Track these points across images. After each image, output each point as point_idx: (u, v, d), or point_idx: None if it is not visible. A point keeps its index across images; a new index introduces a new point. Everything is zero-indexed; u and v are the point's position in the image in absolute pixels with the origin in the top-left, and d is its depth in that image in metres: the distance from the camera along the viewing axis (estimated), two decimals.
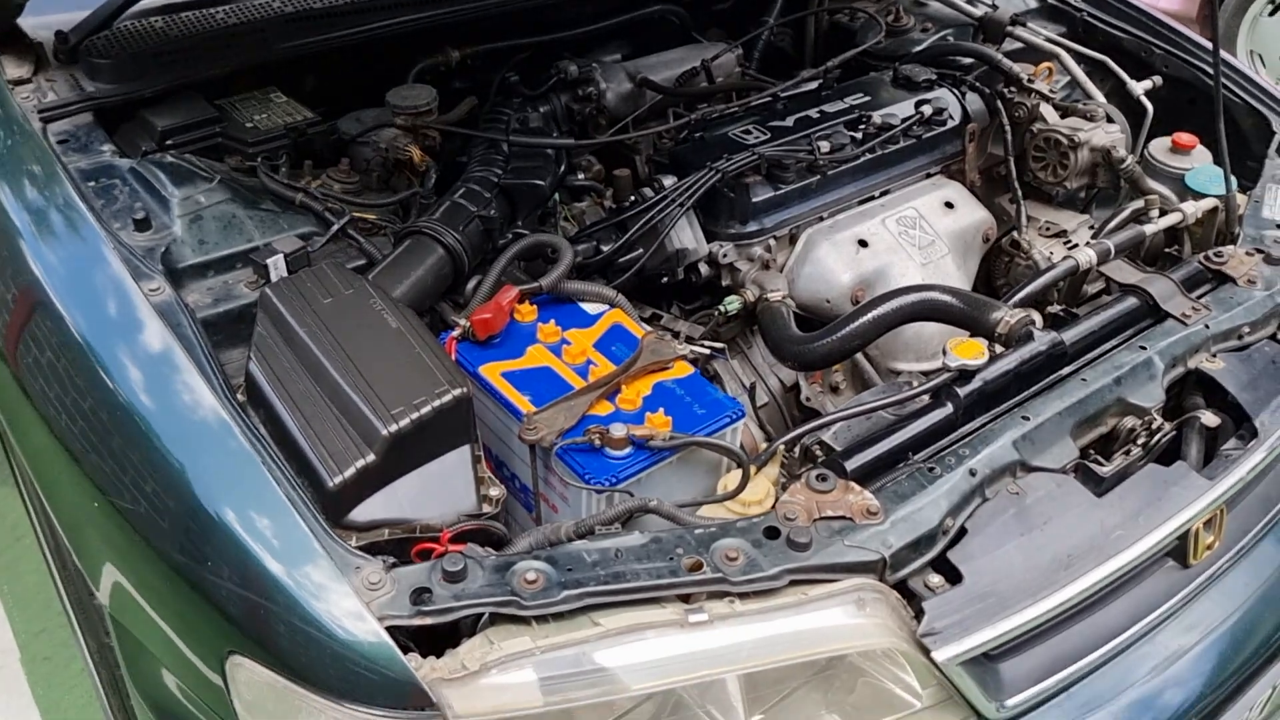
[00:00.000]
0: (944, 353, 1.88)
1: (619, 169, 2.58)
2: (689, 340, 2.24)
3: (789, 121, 2.54)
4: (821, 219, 2.48)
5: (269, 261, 1.94)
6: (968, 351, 1.88)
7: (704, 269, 2.36)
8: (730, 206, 2.36)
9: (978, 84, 2.71)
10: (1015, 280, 2.63)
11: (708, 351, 2.25)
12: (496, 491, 1.72)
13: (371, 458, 1.61)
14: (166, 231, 1.96)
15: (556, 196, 2.48)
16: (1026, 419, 1.86)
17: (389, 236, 2.08)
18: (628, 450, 1.67)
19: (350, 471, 1.60)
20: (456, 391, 1.67)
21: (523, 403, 1.76)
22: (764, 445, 2.22)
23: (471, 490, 1.71)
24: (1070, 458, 1.86)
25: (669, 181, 2.31)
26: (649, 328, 2.01)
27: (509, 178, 2.18)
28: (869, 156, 2.49)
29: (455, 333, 1.85)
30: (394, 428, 1.61)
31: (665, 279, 2.32)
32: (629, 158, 2.68)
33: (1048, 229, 2.68)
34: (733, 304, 2.29)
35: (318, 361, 1.70)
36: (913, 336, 2.38)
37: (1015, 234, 2.62)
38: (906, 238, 2.49)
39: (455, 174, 2.29)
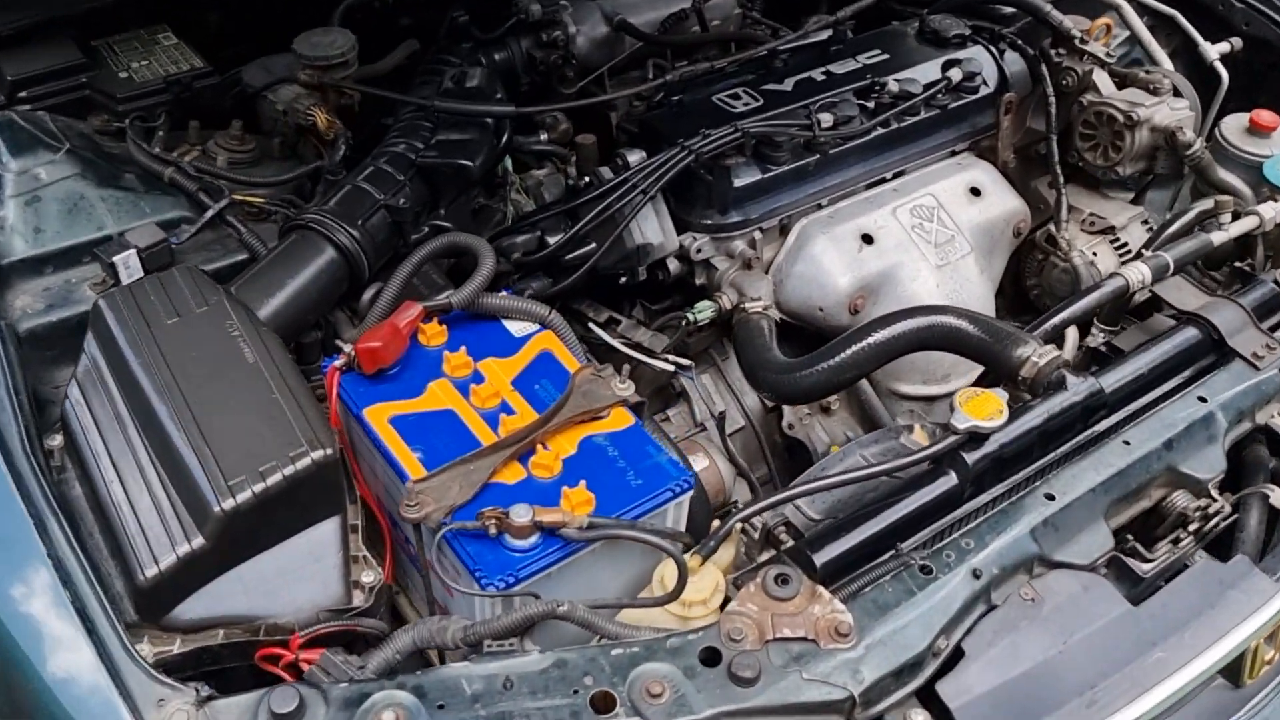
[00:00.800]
0: (952, 409, 1.49)
1: (585, 134, 2.17)
2: (649, 355, 1.85)
3: (787, 85, 2.11)
4: (819, 207, 2.06)
5: (118, 259, 1.57)
6: (982, 409, 1.49)
7: (673, 265, 1.97)
8: (707, 191, 1.95)
9: (1020, 41, 2.25)
10: (1049, 286, 2.21)
11: (671, 368, 1.87)
12: (371, 577, 1.37)
13: (200, 542, 1.26)
14: None
15: (508, 164, 2.08)
16: (1051, 498, 1.48)
17: (280, 223, 1.70)
18: (534, 540, 1.30)
19: (170, 561, 1.25)
20: (318, 454, 1.30)
21: (411, 462, 1.40)
22: (732, 484, 1.86)
23: (338, 576, 1.35)
24: (1103, 549, 1.48)
25: (634, 159, 1.90)
26: (586, 359, 1.62)
27: (429, 155, 1.78)
28: (881, 132, 2.06)
29: (338, 361, 1.48)
30: (230, 504, 1.25)
31: (624, 279, 1.93)
32: (603, 115, 2.26)
33: (1092, 224, 2.25)
34: (704, 311, 1.89)
35: (148, 405, 1.34)
36: (921, 356, 1.98)
37: (1053, 228, 2.19)
38: (921, 232, 2.07)
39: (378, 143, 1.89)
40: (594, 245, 1.86)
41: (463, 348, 1.54)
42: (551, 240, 1.86)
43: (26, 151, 1.66)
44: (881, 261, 2.01)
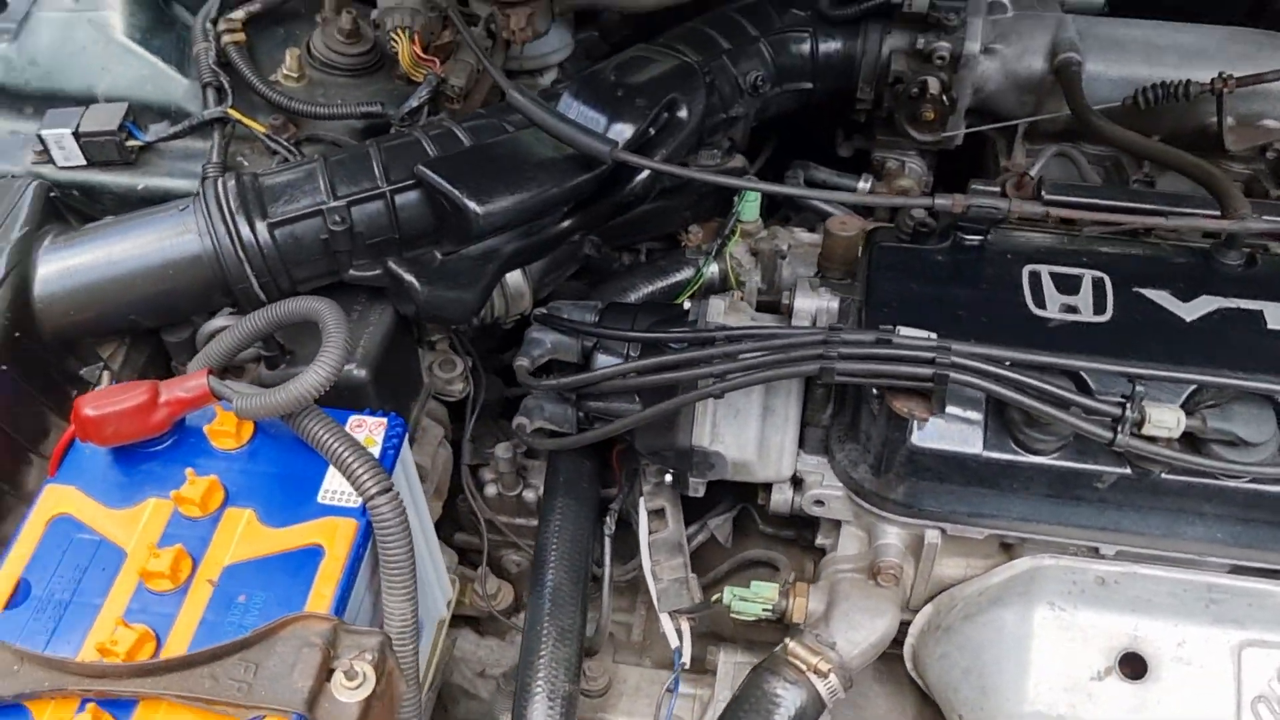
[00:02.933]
0: None
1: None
2: None
3: (1198, 308, 1.07)
4: (1096, 553, 1.06)
5: (48, 133, 1.22)
6: None
7: (778, 495, 1.15)
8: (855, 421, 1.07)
9: None
10: None
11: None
12: None
13: None
14: None
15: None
16: None
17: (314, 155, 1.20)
18: None
19: None
20: None
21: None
22: None
23: None
24: None
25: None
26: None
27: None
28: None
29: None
30: None
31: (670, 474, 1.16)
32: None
33: None
34: (748, 605, 1.08)
35: None
36: None
37: None
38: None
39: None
40: (638, 405, 1.11)
41: (224, 474, 0.97)
42: (598, 366, 1.15)
43: None
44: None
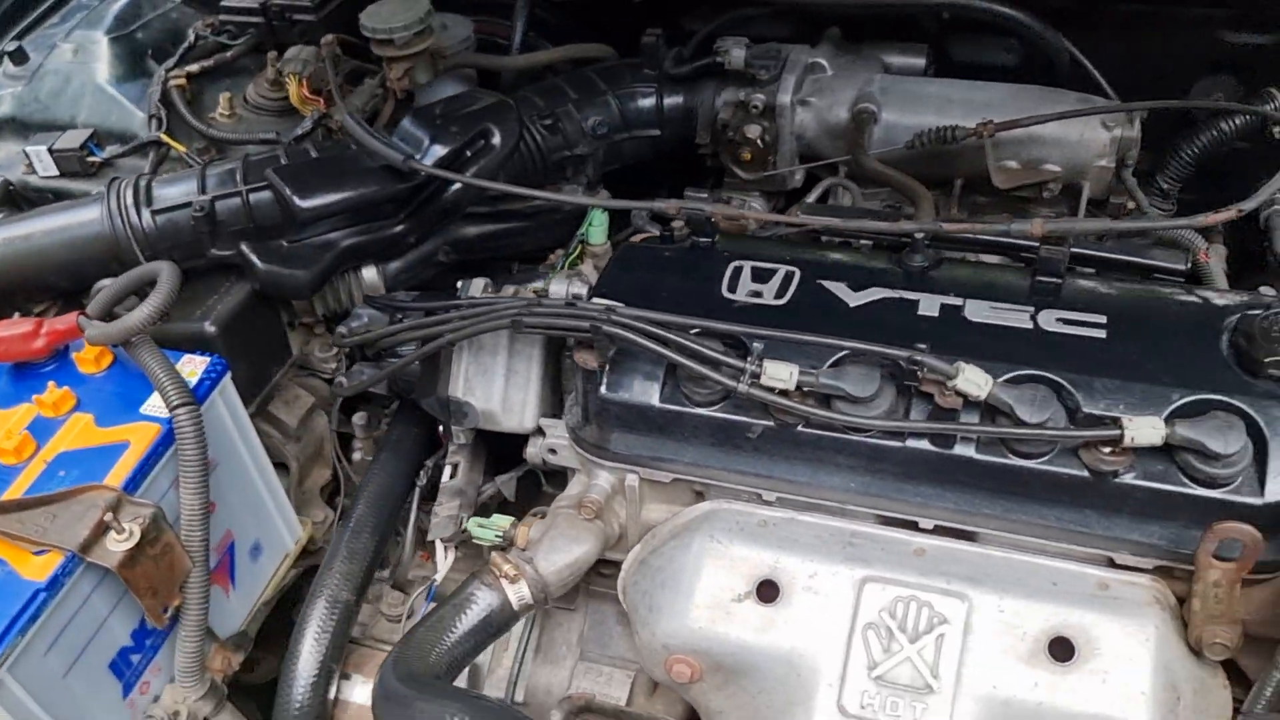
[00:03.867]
0: None
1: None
2: None
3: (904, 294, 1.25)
4: (760, 500, 1.23)
5: (31, 150, 1.61)
6: None
7: (532, 448, 1.38)
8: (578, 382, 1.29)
9: None
10: None
11: None
12: None
13: None
14: None
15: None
16: None
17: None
18: None
19: None
20: None
21: None
22: None
23: None
24: None
25: (474, 290, 1.36)
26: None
27: (258, 185, 1.41)
28: (929, 449, 1.13)
29: None
30: None
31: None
32: None
33: None
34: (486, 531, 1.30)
35: None
36: None
37: None
38: (884, 645, 1.12)
39: None
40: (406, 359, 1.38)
41: (80, 389, 1.29)
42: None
43: (94, 27, 1.75)
44: (766, 639, 1.15)
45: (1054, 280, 1.25)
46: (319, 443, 1.66)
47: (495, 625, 1.23)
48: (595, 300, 1.24)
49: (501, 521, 1.32)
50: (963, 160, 1.56)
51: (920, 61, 1.74)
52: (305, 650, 1.36)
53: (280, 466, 1.59)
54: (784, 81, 1.64)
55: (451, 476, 1.47)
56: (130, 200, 1.43)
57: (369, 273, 1.56)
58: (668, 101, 1.71)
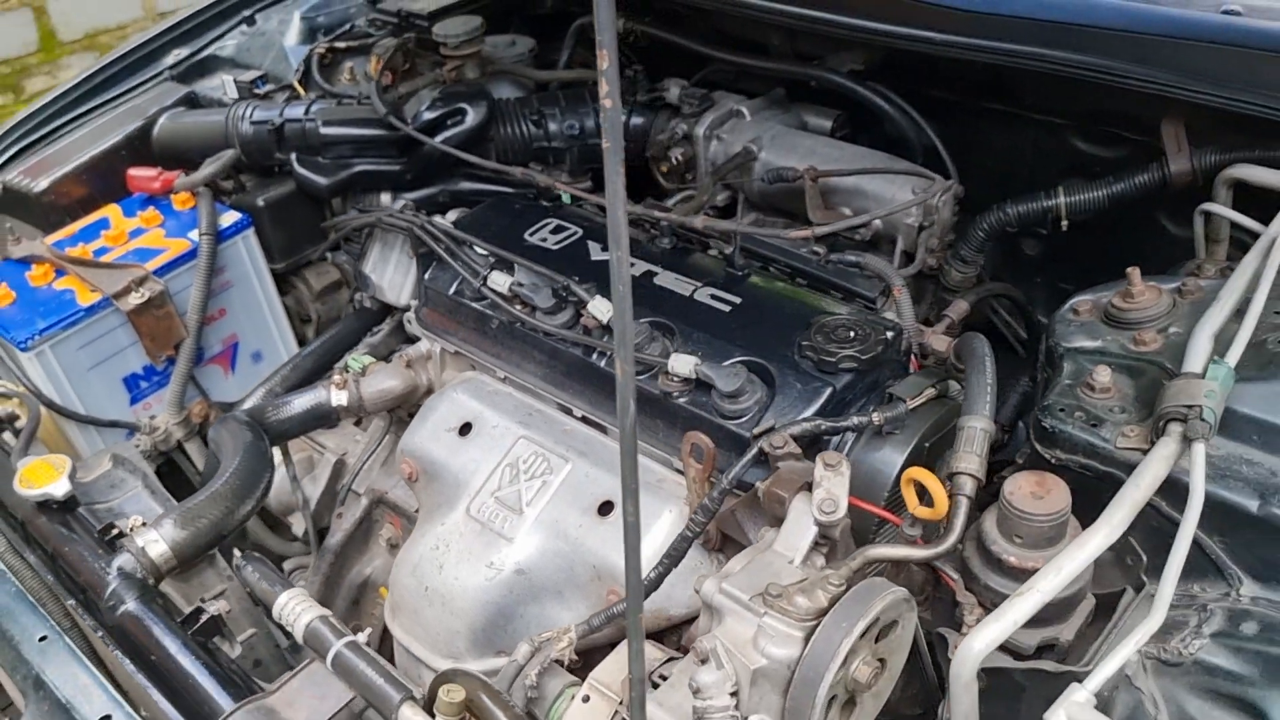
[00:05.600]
0: None
1: None
2: None
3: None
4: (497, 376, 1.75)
5: (226, 78, 2.46)
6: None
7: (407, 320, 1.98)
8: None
9: None
10: None
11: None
12: None
13: None
14: None
15: None
16: None
17: None
18: None
19: None
20: None
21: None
22: None
23: None
24: None
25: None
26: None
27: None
28: (565, 348, 1.61)
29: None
30: None
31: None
32: None
33: None
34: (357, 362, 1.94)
35: None
36: None
37: None
38: (510, 477, 1.61)
39: None
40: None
41: (164, 214, 2.09)
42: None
43: (299, 7, 2.58)
44: (452, 459, 1.68)
45: (737, 271, 1.67)
46: (340, 309, 2.37)
47: (318, 415, 1.84)
48: (436, 217, 1.83)
49: (366, 360, 1.94)
50: (800, 198, 1.96)
51: (828, 123, 2.14)
52: None
53: (307, 322, 2.33)
54: (703, 118, 2.13)
55: (373, 335, 2.11)
56: (239, 114, 2.21)
57: (385, 197, 2.24)
58: (634, 121, 2.24)
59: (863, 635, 1.13)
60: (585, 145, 2.25)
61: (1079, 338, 1.47)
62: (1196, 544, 1.25)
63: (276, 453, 1.92)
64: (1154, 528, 1.29)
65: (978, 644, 1.13)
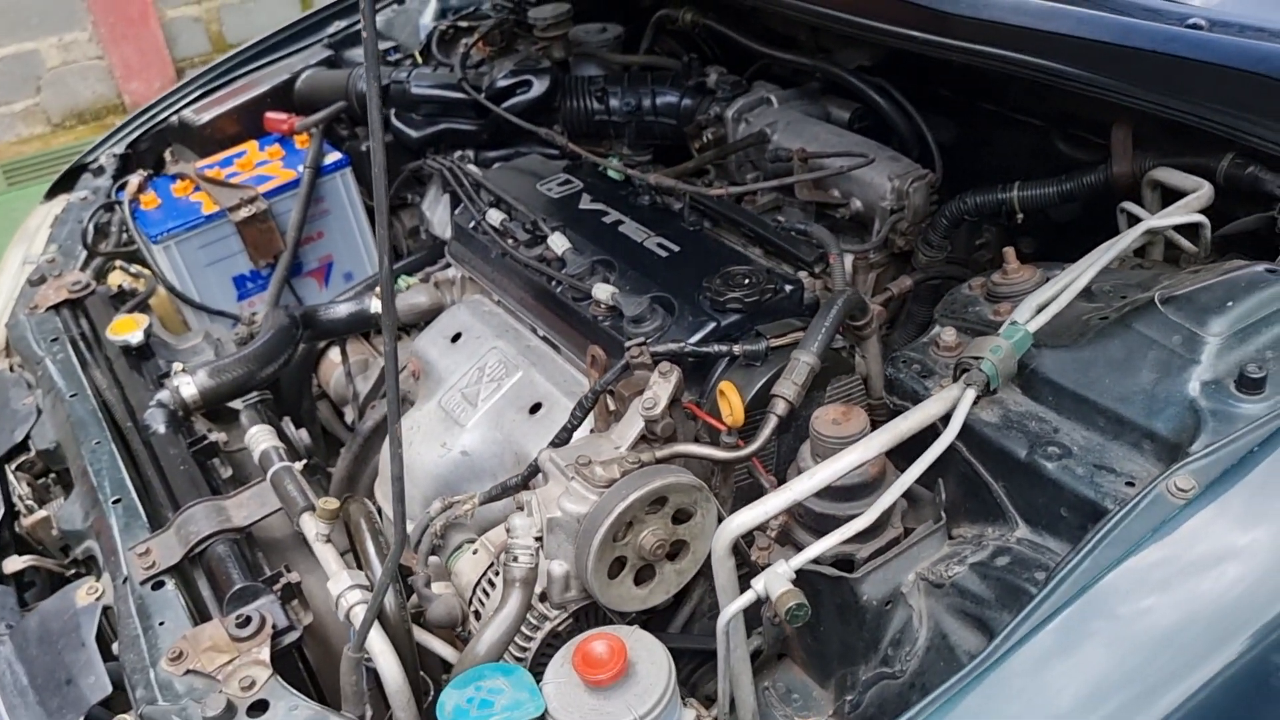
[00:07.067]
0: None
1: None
2: None
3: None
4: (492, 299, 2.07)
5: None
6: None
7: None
8: None
9: None
10: None
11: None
12: None
13: None
14: None
15: None
16: None
17: None
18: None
19: None
20: None
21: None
22: None
23: None
24: None
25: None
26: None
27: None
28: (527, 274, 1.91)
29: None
30: None
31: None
32: None
33: None
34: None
35: None
36: None
37: None
38: (478, 380, 1.92)
39: None
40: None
41: (287, 150, 2.54)
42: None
43: None
44: (442, 360, 2.01)
45: (689, 226, 1.91)
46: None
47: (360, 319, 2.23)
48: (470, 166, 2.17)
49: (410, 280, 2.31)
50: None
51: (845, 115, 2.31)
52: None
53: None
54: (734, 103, 2.36)
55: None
56: (358, 73, 2.64)
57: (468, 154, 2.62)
58: (684, 102, 2.50)
59: (647, 509, 1.37)
60: (642, 121, 2.53)
61: (959, 308, 1.63)
62: (987, 488, 1.41)
63: (334, 351, 2.33)
64: (962, 473, 1.44)
65: (734, 524, 1.34)
